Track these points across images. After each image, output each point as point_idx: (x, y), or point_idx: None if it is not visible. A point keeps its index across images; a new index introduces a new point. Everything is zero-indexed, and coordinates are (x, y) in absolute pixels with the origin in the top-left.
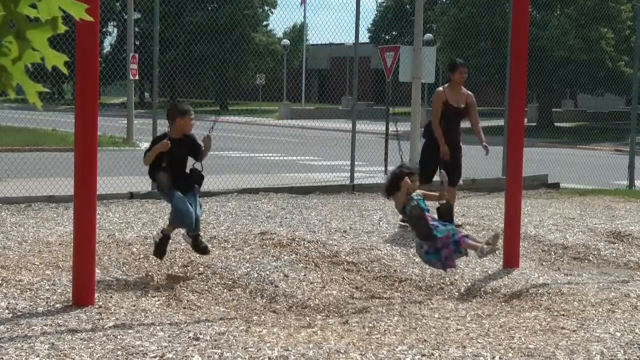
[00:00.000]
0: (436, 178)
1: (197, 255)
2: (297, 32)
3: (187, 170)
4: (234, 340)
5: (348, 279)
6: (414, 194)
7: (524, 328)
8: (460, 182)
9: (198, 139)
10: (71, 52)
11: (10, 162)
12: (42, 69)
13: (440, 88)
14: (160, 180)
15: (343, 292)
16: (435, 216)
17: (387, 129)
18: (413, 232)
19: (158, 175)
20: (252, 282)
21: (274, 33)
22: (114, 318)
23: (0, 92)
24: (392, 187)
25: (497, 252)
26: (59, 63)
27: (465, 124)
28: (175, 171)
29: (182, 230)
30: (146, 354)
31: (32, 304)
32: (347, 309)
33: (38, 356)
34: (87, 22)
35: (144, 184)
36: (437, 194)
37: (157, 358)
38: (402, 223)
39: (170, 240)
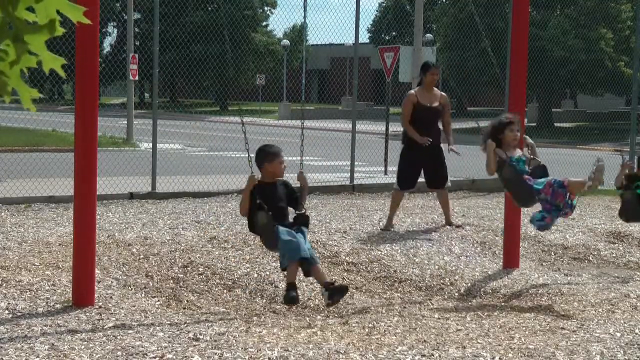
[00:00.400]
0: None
1: (197, 255)
2: (297, 33)
3: (290, 219)
4: (233, 341)
5: (348, 279)
6: (516, 154)
7: (524, 328)
8: (448, 183)
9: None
10: (71, 52)
11: (10, 162)
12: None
13: (412, 90)
14: (260, 220)
15: None
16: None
17: (387, 129)
18: (512, 197)
19: (256, 216)
20: (252, 283)
21: (274, 33)
22: (113, 318)
23: None
24: (495, 135)
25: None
26: (57, 66)
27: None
28: (275, 216)
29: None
30: (146, 354)
31: (32, 304)
32: (347, 310)
33: (38, 356)
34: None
35: (144, 184)
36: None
37: (157, 358)
38: (383, 230)
39: (172, 242)
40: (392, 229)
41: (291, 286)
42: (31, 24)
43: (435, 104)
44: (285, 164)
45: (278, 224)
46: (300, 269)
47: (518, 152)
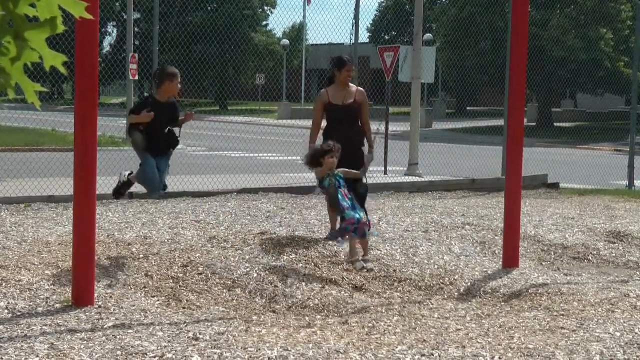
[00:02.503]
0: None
1: (197, 254)
2: (297, 32)
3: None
4: (233, 340)
5: (347, 278)
6: (336, 170)
7: (524, 328)
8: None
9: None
10: (70, 51)
11: (9, 162)
12: (42, 68)
13: (323, 90)
14: (135, 140)
15: (342, 292)
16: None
17: (386, 128)
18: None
19: (134, 134)
20: (251, 282)
21: (273, 33)
22: (113, 318)
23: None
24: (313, 162)
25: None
26: (57, 63)
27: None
28: (152, 133)
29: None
30: (145, 353)
31: (31, 303)
32: (347, 309)
33: (37, 356)
34: (86, 21)
35: None
36: (358, 172)
37: (157, 358)
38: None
39: (171, 241)
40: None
41: (128, 185)
42: (31, 21)
43: (350, 101)
44: (180, 85)
45: (151, 137)
46: None
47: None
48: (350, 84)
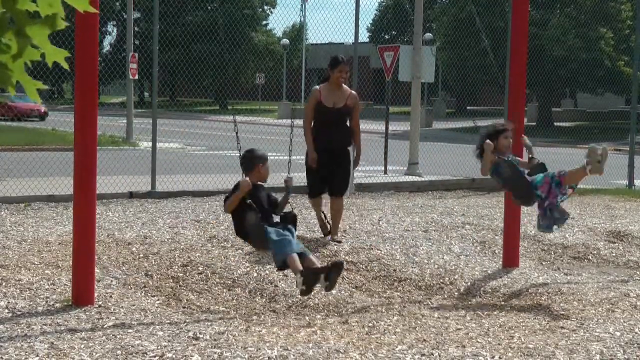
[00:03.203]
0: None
1: (197, 254)
2: (297, 32)
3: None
4: (233, 340)
5: (347, 278)
6: (509, 157)
7: (524, 327)
8: (347, 193)
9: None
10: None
11: (9, 161)
12: (42, 68)
13: (317, 87)
14: (249, 221)
15: (343, 292)
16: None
17: (386, 128)
18: (513, 194)
19: (246, 217)
20: (251, 282)
21: (273, 32)
22: (113, 317)
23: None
24: (491, 138)
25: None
26: (60, 59)
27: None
28: (263, 218)
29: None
30: (146, 353)
31: (31, 303)
32: (347, 309)
33: (37, 355)
34: (86, 20)
35: (144, 183)
36: (527, 161)
37: (157, 357)
38: (325, 236)
39: (171, 241)
40: (328, 233)
41: (301, 272)
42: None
43: (341, 105)
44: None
45: (266, 224)
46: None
47: (510, 155)
48: (345, 86)
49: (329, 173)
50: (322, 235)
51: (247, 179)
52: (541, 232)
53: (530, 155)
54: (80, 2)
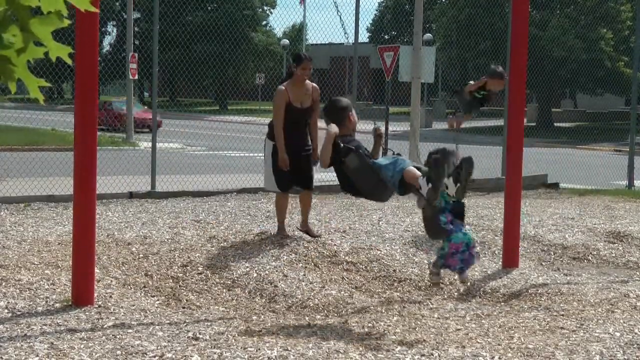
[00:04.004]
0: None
1: (197, 254)
2: (297, 32)
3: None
4: (233, 340)
5: (347, 278)
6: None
7: (524, 328)
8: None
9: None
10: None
11: (9, 161)
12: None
13: (282, 87)
14: (351, 165)
15: (342, 292)
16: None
17: (386, 128)
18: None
19: (347, 161)
20: (251, 282)
21: (273, 33)
22: (113, 318)
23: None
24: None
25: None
26: (63, 54)
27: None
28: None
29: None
30: (145, 353)
31: (31, 303)
32: (347, 309)
33: (37, 356)
34: (87, 20)
35: (144, 183)
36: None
37: (157, 358)
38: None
39: (171, 241)
40: (285, 234)
41: (424, 172)
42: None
43: (307, 104)
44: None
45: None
46: None
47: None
48: (307, 81)
49: (297, 169)
50: (315, 236)
51: (332, 126)
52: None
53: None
54: (81, 1)
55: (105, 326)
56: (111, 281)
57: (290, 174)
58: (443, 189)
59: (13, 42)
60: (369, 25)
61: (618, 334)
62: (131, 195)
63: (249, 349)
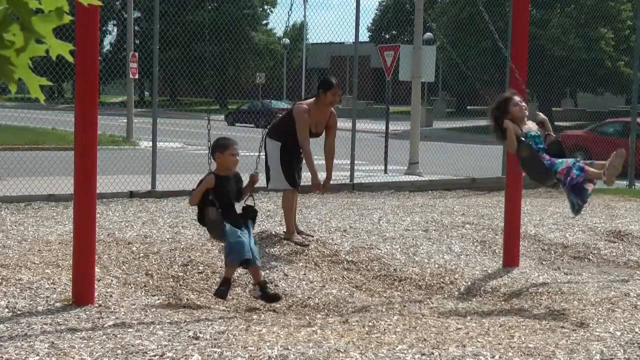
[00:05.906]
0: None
1: (197, 254)
2: (297, 31)
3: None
4: (233, 339)
5: (348, 278)
6: (532, 130)
7: (524, 327)
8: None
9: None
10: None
11: (10, 161)
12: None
13: (305, 106)
14: (209, 216)
15: (343, 291)
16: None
17: (387, 127)
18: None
19: (207, 211)
20: (251, 281)
21: (273, 32)
22: (113, 317)
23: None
24: (501, 113)
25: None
26: (65, 52)
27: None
28: (225, 210)
29: (251, 283)
30: (146, 352)
31: (31, 302)
32: (347, 308)
33: (38, 355)
34: (87, 19)
35: (144, 182)
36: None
37: (157, 357)
38: (285, 239)
39: (172, 240)
40: (296, 236)
41: (226, 282)
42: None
43: (320, 131)
44: (238, 157)
45: (226, 220)
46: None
47: (532, 127)
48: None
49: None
50: (310, 236)
51: (212, 175)
52: (575, 214)
53: (546, 133)
54: None
55: (105, 325)
56: (112, 280)
57: (299, 169)
58: None
59: (14, 41)
60: (370, 25)
61: (618, 333)
62: (131, 195)
63: (250, 348)
